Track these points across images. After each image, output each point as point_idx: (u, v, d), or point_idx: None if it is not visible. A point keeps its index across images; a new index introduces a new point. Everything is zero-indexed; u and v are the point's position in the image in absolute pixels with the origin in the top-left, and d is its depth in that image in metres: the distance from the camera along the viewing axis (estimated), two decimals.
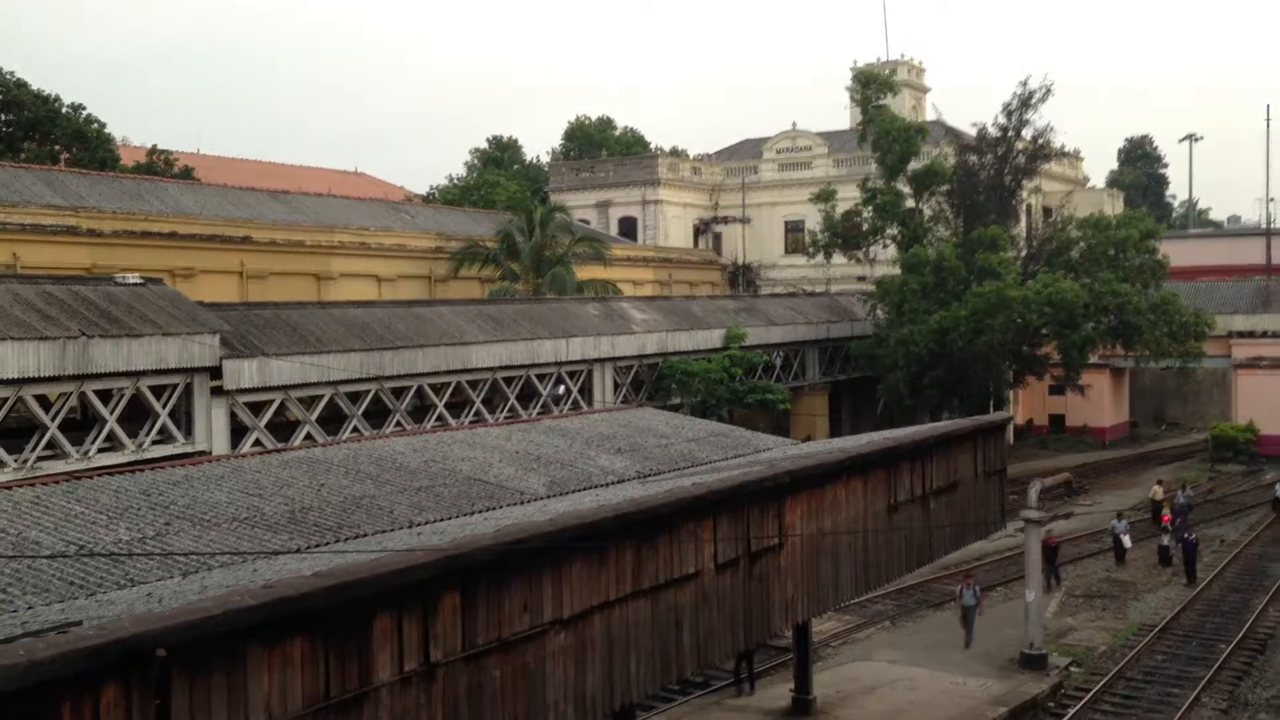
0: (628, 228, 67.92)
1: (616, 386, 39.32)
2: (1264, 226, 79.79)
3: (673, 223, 67.85)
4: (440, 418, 31.64)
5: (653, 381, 40.96)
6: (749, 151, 72.13)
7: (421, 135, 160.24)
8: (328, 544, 12.59)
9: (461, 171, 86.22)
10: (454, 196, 75.34)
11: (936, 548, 20.34)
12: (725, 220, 69.73)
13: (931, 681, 22.91)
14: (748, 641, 15.44)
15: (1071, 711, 21.82)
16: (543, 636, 10.75)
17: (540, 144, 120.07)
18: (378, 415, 30.61)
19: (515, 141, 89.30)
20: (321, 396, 28.99)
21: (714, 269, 67.58)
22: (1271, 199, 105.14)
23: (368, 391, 30.18)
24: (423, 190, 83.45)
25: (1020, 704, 21.82)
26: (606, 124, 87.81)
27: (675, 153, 76.61)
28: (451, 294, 46.10)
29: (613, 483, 17.16)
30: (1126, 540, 33.83)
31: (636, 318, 41.69)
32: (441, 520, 14.08)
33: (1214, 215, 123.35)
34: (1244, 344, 54.26)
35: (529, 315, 37.53)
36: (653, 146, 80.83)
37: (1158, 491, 39.26)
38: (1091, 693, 22.71)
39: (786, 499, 15.00)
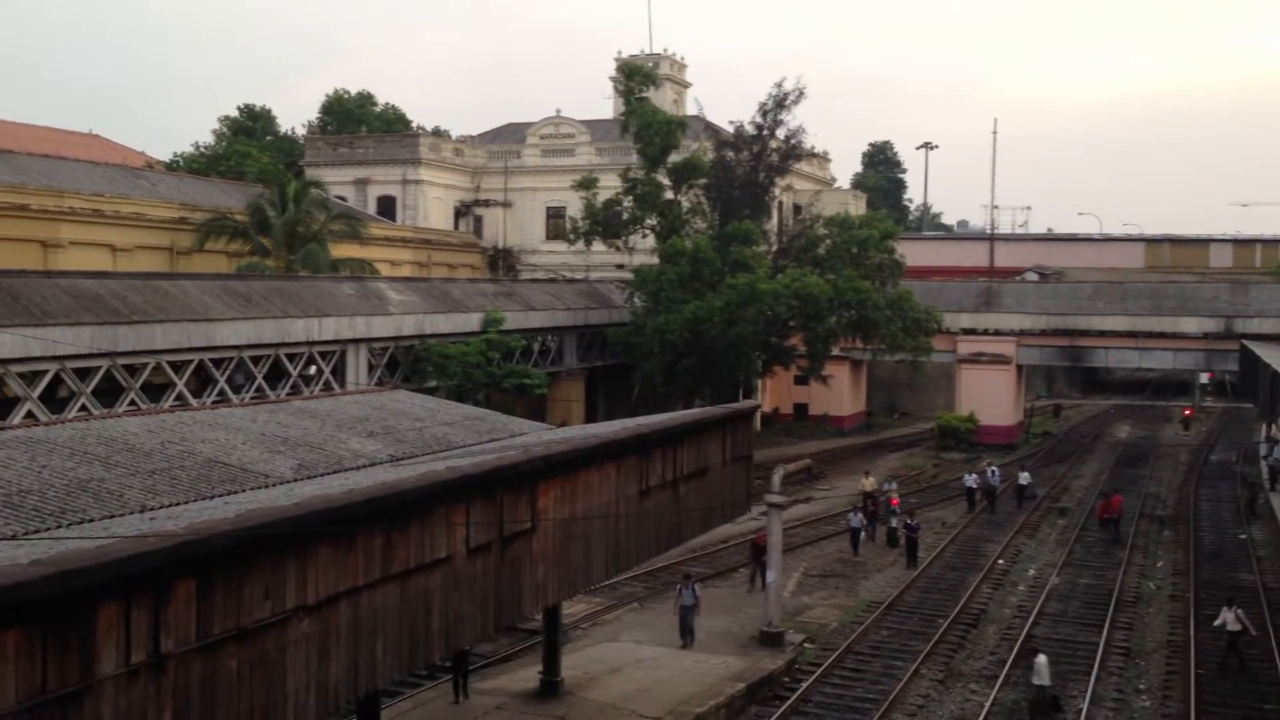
0: (386, 207, 66.40)
1: (371, 368, 38.43)
2: (989, 231, 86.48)
3: (433, 204, 66.82)
4: (180, 397, 30.03)
5: (409, 364, 40.28)
6: (512, 135, 71.88)
7: (166, 98, 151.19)
8: (48, 530, 11.75)
9: (210, 140, 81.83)
10: (201, 166, 71.45)
11: (685, 531, 20.97)
12: (487, 203, 69.29)
13: (675, 660, 23.66)
14: (499, 625, 15.46)
15: (804, 685, 23.04)
16: (285, 624, 10.41)
17: (296, 116, 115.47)
18: (110, 394, 28.74)
19: (269, 111, 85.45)
20: (45, 372, 26.96)
21: (474, 252, 67.01)
22: (996, 206, 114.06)
23: (99, 368, 28.28)
24: (166, 157, 78.67)
25: (758, 679, 22.83)
26: (367, 99, 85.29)
27: (438, 133, 75.32)
28: (196, 268, 43.83)
29: (364, 466, 16.78)
30: (863, 533, 35.92)
31: (393, 298, 40.85)
32: (177, 504, 13.39)
33: (946, 219, 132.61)
34: (968, 341, 58.60)
35: (280, 292, 36.10)
36: (415, 125, 79.14)
37: (867, 484, 41.84)
38: (823, 667, 24.05)
39: (540, 483, 15.09)
